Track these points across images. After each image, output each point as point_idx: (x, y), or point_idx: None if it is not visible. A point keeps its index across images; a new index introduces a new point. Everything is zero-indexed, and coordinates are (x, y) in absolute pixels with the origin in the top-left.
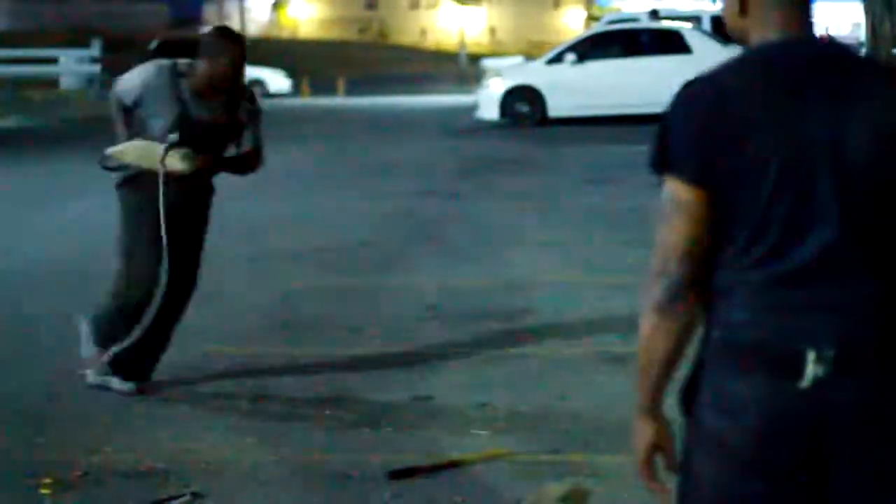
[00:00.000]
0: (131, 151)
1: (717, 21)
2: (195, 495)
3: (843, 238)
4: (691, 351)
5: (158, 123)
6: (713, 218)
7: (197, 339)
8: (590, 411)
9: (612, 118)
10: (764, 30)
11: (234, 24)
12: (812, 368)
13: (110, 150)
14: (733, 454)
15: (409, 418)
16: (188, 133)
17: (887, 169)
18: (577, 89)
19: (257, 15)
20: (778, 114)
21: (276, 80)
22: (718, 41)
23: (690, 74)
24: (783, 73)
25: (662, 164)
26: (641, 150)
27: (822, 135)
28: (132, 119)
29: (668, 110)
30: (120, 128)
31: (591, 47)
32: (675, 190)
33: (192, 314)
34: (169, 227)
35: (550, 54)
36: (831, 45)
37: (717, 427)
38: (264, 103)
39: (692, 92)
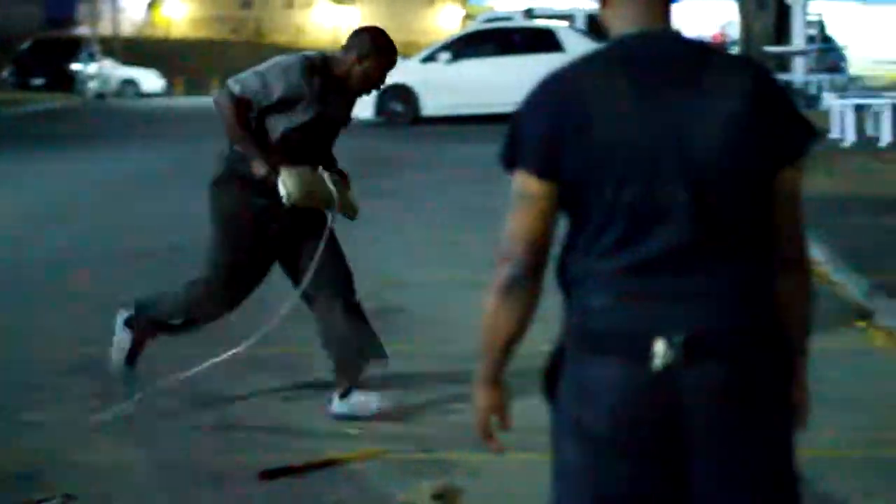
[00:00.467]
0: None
1: (591, 19)
2: (67, 497)
3: (692, 228)
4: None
5: (286, 122)
6: (559, 210)
7: (67, 341)
8: (463, 409)
9: (486, 117)
10: (622, 22)
11: (107, 24)
12: (661, 354)
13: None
14: (595, 439)
15: (283, 418)
16: (315, 130)
17: (737, 160)
18: (451, 88)
19: (131, 14)
20: (627, 106)
21: (149, 80)
22: (593, 39)
23: None
24: (635, 66)
25: (512, 158)
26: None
27: (672, 127)
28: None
29: (520, 105)
30: (238, 130)
31: (466, 46)
32: (524, 183)
33: (53, 318)
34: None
35: (424, 53)
36: (686, 39)
37: (578, 413)
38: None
39: (544, 88)
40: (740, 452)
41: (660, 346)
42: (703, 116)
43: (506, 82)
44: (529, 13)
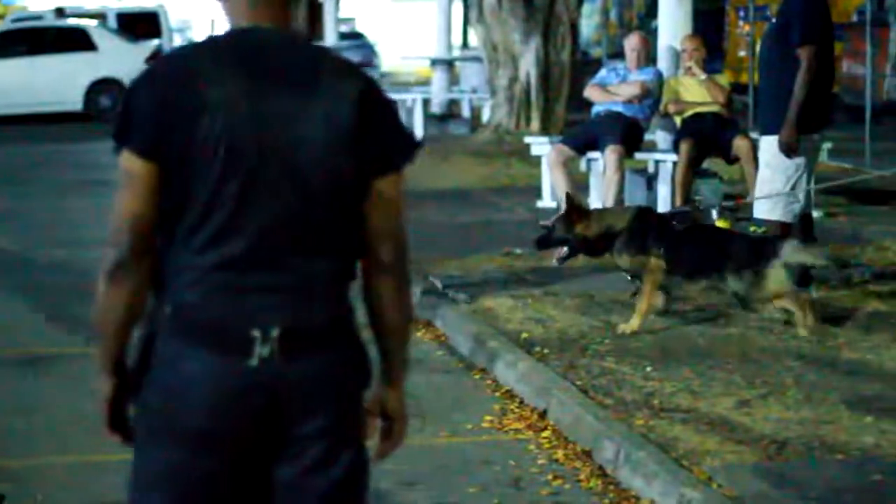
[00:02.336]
0: None
1: (122, 18)
2: None
3: (290, 226)
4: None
5: None
6: (165, 193)
7: None
8: (3, 416)
9: (20, 117)
10: (237, 16)
11: None
12: (258, 348)
13: None
14: (185, 434)
15: None
16: None
17: (338, 165)
18: None
19: None
20: (230, 99)
21: None
22: (125, 38)
23: (98, 72)
24: (242, 60)
25: (120, 135)
26: (51, 150)
27: (279, 127)
28: None
29: (132, 83)
30: None
31: None
32: (130, 162)
33: None
34: None
35: None
36: (299, 40)
37: (167, 406)
38: None
39: (156, 67)
40: (318, 446)
41: (257, 340)
42: (311, 119)
43: (39, 82)
44: (60, 12)
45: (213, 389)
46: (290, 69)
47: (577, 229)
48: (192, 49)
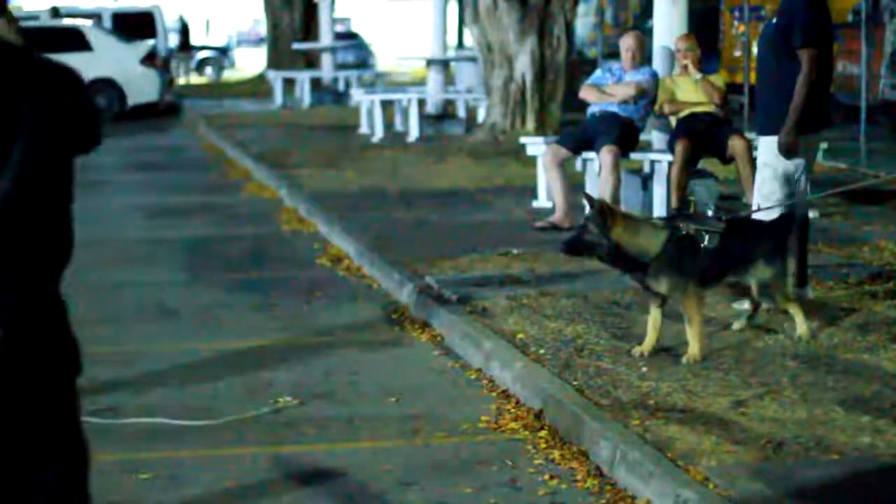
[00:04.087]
0: None
1: (118, 18)
2: None
3: None
4: None
5: None
6: None
7: None
8: None
9: None
10: None
11: None
12: None
13: None
14: None
15: None
16: None
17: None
18: None
19: None
20: None
21: None
22: (119, 38)
23: (93, 72)
24: None
25: None
26: None
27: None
28: None
29: None
30: None
31: None
32: None
33: None
34: None
35: None
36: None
37: None
38: None
39: None
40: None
41: None
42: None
43: None
44: (56, 12)
45: None
46: (7, 73)
47: (613, 234)
48: None
